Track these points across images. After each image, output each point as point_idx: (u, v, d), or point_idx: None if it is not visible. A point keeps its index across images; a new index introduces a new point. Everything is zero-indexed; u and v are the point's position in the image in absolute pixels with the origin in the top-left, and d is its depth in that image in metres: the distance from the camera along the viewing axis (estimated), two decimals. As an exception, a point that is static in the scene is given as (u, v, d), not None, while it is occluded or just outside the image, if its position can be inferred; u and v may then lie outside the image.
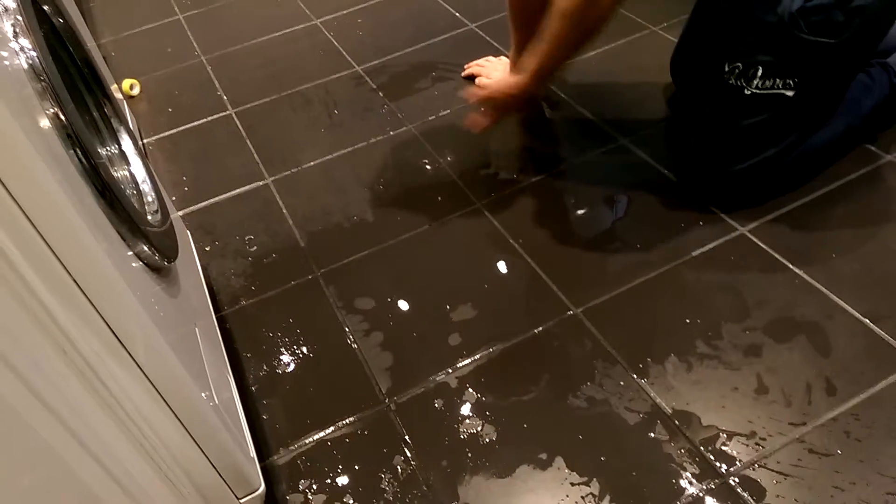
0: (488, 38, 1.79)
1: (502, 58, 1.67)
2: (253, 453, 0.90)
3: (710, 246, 1.18)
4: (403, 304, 1.18)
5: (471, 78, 1.65)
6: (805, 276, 1.10)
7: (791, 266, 1.12)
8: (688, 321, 1.07)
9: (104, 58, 1.77)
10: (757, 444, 0.91)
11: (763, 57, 1.11)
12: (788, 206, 1.22)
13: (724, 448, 0.92)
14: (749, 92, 1.13)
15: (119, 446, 0.63)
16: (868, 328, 1.01)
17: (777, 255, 1.14)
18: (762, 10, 1.09)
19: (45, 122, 0.59)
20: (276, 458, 1.00)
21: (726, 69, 1.15)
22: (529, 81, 1.22)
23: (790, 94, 1.12)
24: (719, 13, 1.05)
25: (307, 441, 1.01)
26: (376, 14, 2.00)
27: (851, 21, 1.06)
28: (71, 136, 0.61)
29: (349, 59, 1.81)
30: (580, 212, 1.29)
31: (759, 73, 1.11)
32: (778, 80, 1.11)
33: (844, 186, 1.23)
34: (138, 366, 0.64)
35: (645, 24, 1.74)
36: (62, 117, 0.60)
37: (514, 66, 1.58)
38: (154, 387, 0.66)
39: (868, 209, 1.20)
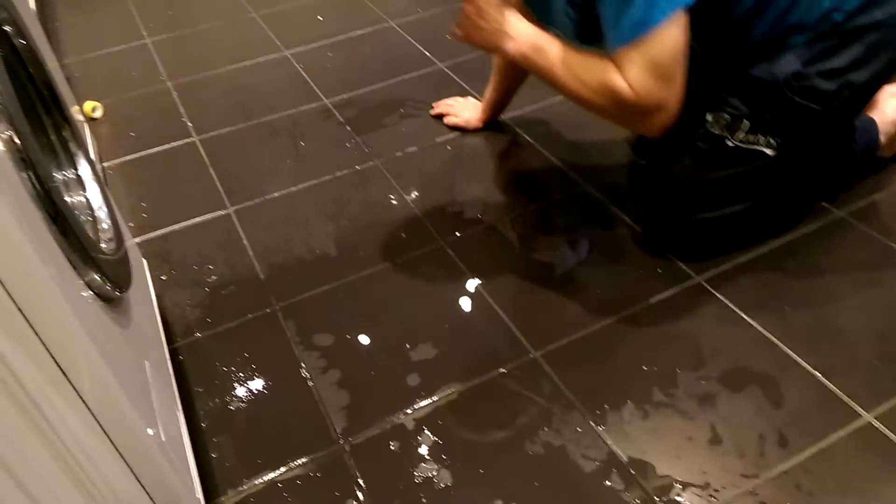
0: (457, 78, 1.82)
1: (470, 98, 1.69)
2: (200, 494, 0.87)
3: (668, 294, 1.19)
4: (363, 342, 1.16)
5: (439, 117, 1.67)
6: (759, 328, 1.12)
7: (745, 317, 1.14)
8: (645, 368, 1.08)
9: (67, 79, 1.73)
10: (710, 495, 0.92)
11: (751, 112, 1.13)
12: (744, 257, 1.25)
13: (678, 498, 0.91)
14: (732, 144, 1.15)
15: (56, 483, 0.60)
16: (819, 381, 1.03)
17: (732, 306, 1.16)
18: (760, 70, 1.11)
19: (-2, 145, 0.57)
20: (223, 499, 0.96)
21: (709, 119, 1.17)
22: (508, 44, 1.09)
23: (770, 152, 1.14)
24: (705, 64, 1.05)
25: (257, 482, 0.97)
26: (347, 49, 2.01)
27: (840, 92, 1.09)
28: (25, 160, 0.59)
29: (318, 91, 1.82)
30: (542, 255, 1.29)
31: (745, 126, 1.13)
32: (762, 136, 1.13)
33: (799, 240, 1.27)
34: (82, 399, 0.61)
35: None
36: (16, 140, 0.59)
37: (486, 109, 1.60)
38: (98, 422, 0.63)
39: (821, 264, 1.23)
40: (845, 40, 1.07)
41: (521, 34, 1.08)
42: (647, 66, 0.99)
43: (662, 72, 0.99)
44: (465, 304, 1.21)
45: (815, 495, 0.90)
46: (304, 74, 1.90)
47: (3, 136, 0.58)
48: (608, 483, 0.94)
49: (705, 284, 1.20)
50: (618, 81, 1.01)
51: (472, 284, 1.24)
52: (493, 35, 1.09)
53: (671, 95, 1.01)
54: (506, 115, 1.64)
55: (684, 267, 1.24)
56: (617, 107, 1.03)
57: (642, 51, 0.98)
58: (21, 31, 0.80)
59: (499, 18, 1.08)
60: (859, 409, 0.99)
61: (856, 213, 1.31)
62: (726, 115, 1.14)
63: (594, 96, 1.04)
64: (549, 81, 1.09)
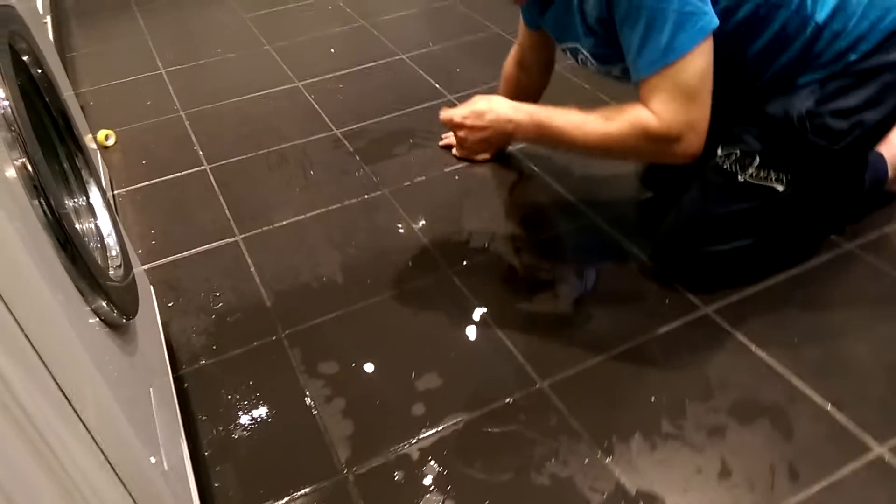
0: (466, 110, 1.83)
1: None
2: (201, 523, 0.86)
3: (676, 325, 1.18)
4: (368, 370, 1.15)
5: (448, 148, 1.68)
6: (768, 359, 1.11)
7: (754, 348, 1.13)
8: (653, 399, 1.07)
9: (81, 107, 1.76)
10: (720, 529, 0.90)
11: (763, 148, 1.13)
12: (752, 288, 1.24)
13: (687, 533, 0.90)
14: (742, 179, 1.15)
15: (57, 512, 0.60)
16: (830, 414, 1.02)
17: (741, 337, 1.15)
18: (773, 107, 1.12)
19: (11, 172, 0.58)
20: (225, 528, 0.95)
21: (720, 153, 1.17)
22: (515, 128, 1.13)
23: (780, 188, 1.14)
24: (718, 99, 1.05)
25: (259, 511, 0.97)
26: (358, 80, 2.04)
27: (852, 131, 1.09)
28: (37, 187, 0.60)
29: (328, 121, 1.84)
30: (549, 285, 1.29)
31: (756, 162, 1.13)
32: (773, 172, 1.13)
33: (808, 272, 1.26)
34: (85, 426, 0.61)
35: (617, 105, 1.80)
36: (29, 168, 0.60)
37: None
38: (100, 449, 0.63)
39: (830, 296, 1.22)
40: (859, 80, 1.08)
41: (522, 114, 1.11)
42: (675, 91, 0.99)
43: (690, 95, 1.00)
44: (472, 333, 1.21)
45: (826, 532, 0.89)
46: (315, 105, 1.92)
47: (16, 163, 0.59)
48: (615, 517, 0.92)
49: (713, 316, 1.19)
50: (644, 115, 1.02)
51: (479, 313, 1.24)
52: (498, 136, 1.15)
53: (700, 115, 1.01)
54: (514, 147, 1.66)
55: (692, 298, 1.23)
56: (648, 141, 1.03)
57: (670, 77, 0.99)
58: (38, 61, 0.82)
59: (492, 120, 1.12)
60: (871, 442, 0.98)
61: (865, 245, 1.30)
62: (738, 151, 1.15)
63: (623, 138, 1.04)
64: (574, 142, 1.09)
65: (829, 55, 1.07)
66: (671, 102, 1.00)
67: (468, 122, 1.15)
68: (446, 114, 1.17)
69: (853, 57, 1.06)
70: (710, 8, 0.98)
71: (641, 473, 0.97)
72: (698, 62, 0.99)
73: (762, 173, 1.13)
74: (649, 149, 1.06)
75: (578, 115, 1.07)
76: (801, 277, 1.25)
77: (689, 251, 1.24)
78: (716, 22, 0.98)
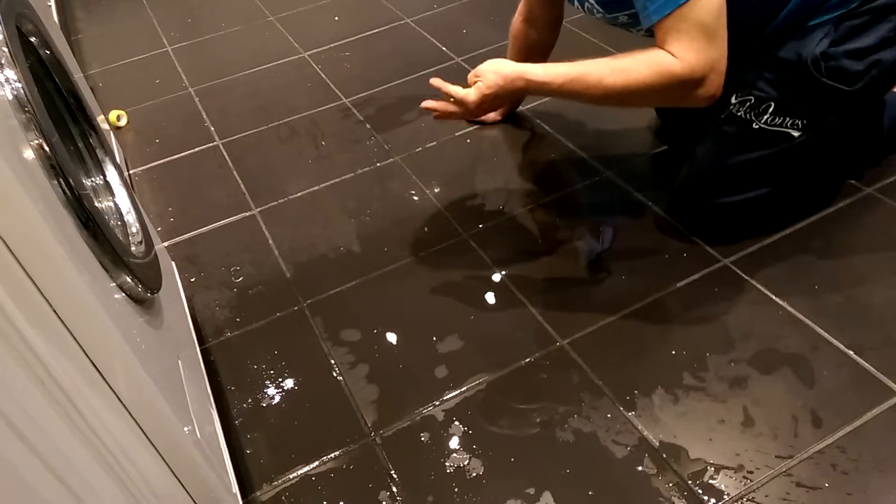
0: (475, 72, 1.81)
1: (488, 91, 1.68)
2: (236, 489, 0.88)
3: (694, 277, 1.18)
4: (390, 336, 1.17)
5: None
6: (788, 308, 1.11)
7: (775, 298, 1.13)
8: (674, 353, 1.07)
9: (91, 89, 1.77)
10: (744, 477, 0.91)
11: (777, 93, 1.11)
12: (770, 237, 1.23)
13: (711, 482, 0.91)
14: (757, 126, 1.13)
15: (98, 481, 0.62)
16: (852, 360, 1.02)
17: (760, 287, 1.15)
18: (786, 51, 1.10)
19: (28, 153, 0.59)
20: (259, 493, 0.98)
21: (734, 101, 1.15)
22: (523, 86, 1.10)
23: (796, 134, 1.12)
24: (730, 46, 1.02)
25: (291, 476, 0.99)
26: (364, 48, 2.02)
27: (868, 71, 1.07)
28: (55, 167, 0.61)
29: (337, 91, 1.83)
30: (566, 243, 1.29)
31: (771, 108, 1.12)
32: (788, 118, 1.11)
33: (826, 218, 1.25)
34: (119, 399, 0.62)
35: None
36: (46, 148, 0.60)
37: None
38: (135, 420, 0.65)
39: (850, 242, 1.21)
40: (874, 18, 1.05)
41: (530, 71, 1.08)
42: (693, 31, 0.97)
43: (709, 33, 0.97)
44: (490, 295, 1.21)
45: (851, 474, 0.89)
46: (323, 75, 1.91)
47: (32, 144, 0.60)
48: (640, 468, 0.93)
49: (732, 267, 1.19)
50: (666, 60, 0.99)
51: (497, 275, 1.24)
52: (513, 93, 1.12)
53: (720, 53, 0.99)
54: (524, 107, 1.64)
55: (710, 250, 1.22)
56: (672, 85, 1.00)
57: (685, 17, 0.96)
58: (46, 43, 0.82)
59: (508, 82, 1.09)
60: (894, 386, 0.98)
61: (884, 189, 1.29)
62: (752, 98, 1.13)
63: (647, 85, 1.01)
64: (594, 93, 1.05)
65: None
66: (692, 42, 0.97)
67: (483, 92, 1.12)
68: (458, 94, 1.14)
69: None
70: None
71: (664, 426, 0.98)
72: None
73: (777, 119, 1.12)
74: (673, 94, 1.02)
75: (596, 65, 1.04)
76: (820, 224, 1.24)
77: (707, 202, 1.23)
78: None
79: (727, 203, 1.21)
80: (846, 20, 1.06)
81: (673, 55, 0.98)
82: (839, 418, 0.96)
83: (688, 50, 0.97)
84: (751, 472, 0.91)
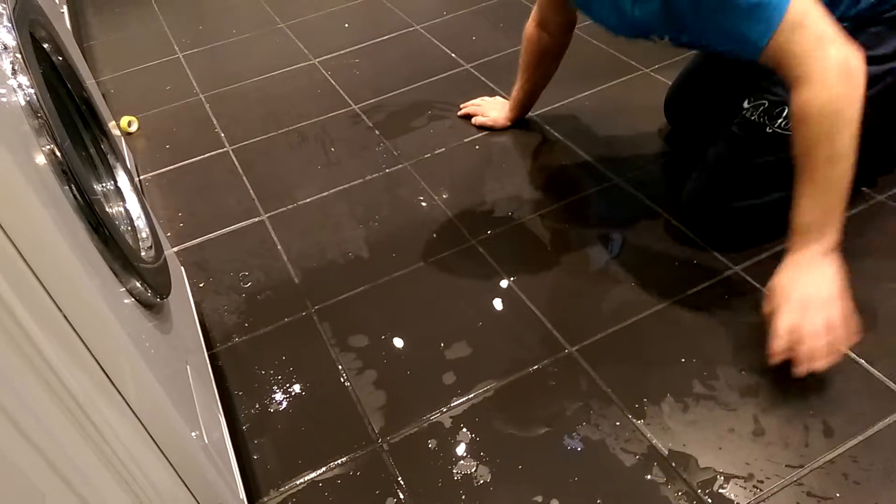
0: (483, 79, 1.82)
1: (497, 97, 1.69)
2: (242, 494, 0.88)
3: (704, 284, 1.18)
4: (397, 342, 1.17)
5: (467, 117, 1.67)
6: (800, 316, 1.10)
7: (786, 305, 1.12)
8: (683, 360, 1.07)
9: (103, 95, 1.78)
10: (755, 486, 0.90)
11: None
12: (781, 245, 1.22)
13: (721, 491, 0.90)
14: (770, 130, 1.12)
15: (105, 486, 0.62)
16: (864, 368, 1.01)
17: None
18: None
19: (40, 159, 0.59)
20: (266, 499, 0.97)
21: (747, 105, 1.15)
22: (832, 241, 0.98)
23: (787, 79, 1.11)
24: None
25: (298, 482, 0.99)
26: (373, 54, 2.03)
27: (883, 78, 1.06)
28: (66, 173, 0.61)
29: (346, 97, 1.83)
30: (575, 250, 1.29)
31: (785, 112, 1.10)
32: None
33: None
34: (127, 403, 0.63)
35: (637, 66, 1.77)
36: (58, 154, 0.61)
37: (514, 107, 1.60)
38: (143, 425, 0.65)
39: (861, 248, 1.20)
40: (890, 28, 1.04)
41: (826, 238, 0.97)
42: (808, 38, 0.92)
43: (819, 30, 0.93)
44: (499, 301, 1.21)
45: (862, 484, 0.88)
46: (332, 81, 1.92)
47: (44, 149, 0.60)
48: (649, 477, 0.93)
49: (742, 274, 1.18)
50: (809, 96, 0.92)
51: (505, 282, 1.24)
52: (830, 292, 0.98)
53: (846, 49, 0.93)
54: (533, 113, 1.64)
55: (720, 257, 1.22)
56: (847, 101, 0.92)
57: (793, 27, 0.92)
58: (59, 49, 0.83)
59: (817, 288, 0.96)
60: (907, 397, 0.97)
61: (894, 196, 1.28)
62: (765, 102, 1.12)
63: (838, 125, 0.93)
64: (847, 171, 0.95)
65: (859, 8, 1.04)
66: (812, 52, 0.92)
67: (805, 316, 0.95)
68: (785, 327, 0.96)
69: (885, 7, 1.03)
70: None
71: (674, 434, 0.97)
72: (802, 4, 0.93)
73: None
74: (854, 98, 0.92)
75: (820, 166, 0.94)
76: (832, 232, 1.23)
77: (719, 207, 1.22)
78: None
79: (739, 208, 1.20)
80: (863, 28, 1.05)
81: (807, 81, 0.92)
82: (851, 428, 0.95)
83: (815, 63, 0.92)
84: (761, 482, 0.90)
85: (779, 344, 0.95)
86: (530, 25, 1.50)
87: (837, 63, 0.92)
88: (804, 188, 0.96)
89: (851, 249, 1.19)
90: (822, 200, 0.95)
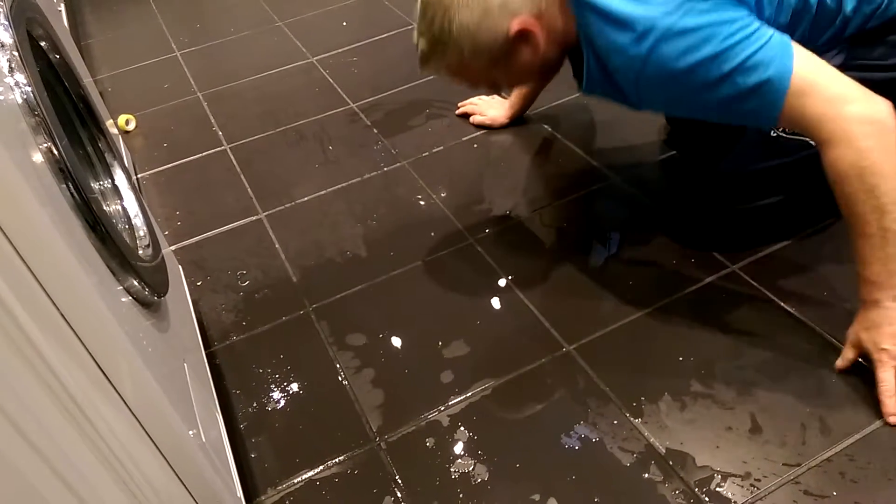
0: (482, 77, 1.81)
1: (495, 96, 1.69)
2: (240, 493, 0.88)
3: (702, 283, 1.18)
4: (395, 341, 1.17)
5: (465, 116, 1.67)
6: (797, 315, 1.10)
7: (783, 304, 1.12)
8: (681, 359, 1.07)
9: (100, 93, 1.78)
10: (752, 485, 0.90)
11: None
12: (780, 244, 1.22)
13: (718, 489, 0.90)
14: (775, 134, 1.12)
15: (102, 485, 0.62)
16: (861, 367, 1.01)
17: (769, 294, 1.14)
18: None
19: (37, 157, 0.59)
20: (263, 498, 0.97)
21: None
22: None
23: (814, 142, 1.11)
24: None
25: (296, 481, 0.99)
26: (371, 53, 2.03)
27: (884, 82, 1.05)
28: (63, 171, 0.61)
29: (344, 96, 1.83)
30: (573, 248, 1.29)
31: None
32: None
33: (836, 226, 1.24)
34: (124, 402, 0.63)
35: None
36: (55, 152, 0.61)
37: (512, 106, 1.59)
38: (140, 424, 0.65)
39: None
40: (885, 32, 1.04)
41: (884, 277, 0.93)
42: (822, 96, 0.89)
43: (832, 87, 0.91)
44: (497, 300, 1.21)
45: (860, 482, 0.88)
46: (331, 80, 1.92)
47: (41, 147, 0.60)
48: (646, 475, 0.93)
49: (741, 273, 1.18)
50: (840, 153, 0.89)
51: (503, 281, 1.24)
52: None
53: (855, 93, 0.90)
54: (531, 111, 1.64)
55: (719, 256, 1.22)
56: (888, 129, 0.88)
57: (803, 88, 0.90)
58: (56, 47, 0.83)
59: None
60: (904, 395, 0.97)
61: None
62: None
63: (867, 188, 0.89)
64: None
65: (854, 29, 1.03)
66: (828, 109, 0.89)
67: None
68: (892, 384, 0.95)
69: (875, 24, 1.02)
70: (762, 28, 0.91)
71: (671, 433, 0.97)
72: (807, 63, 0.91)
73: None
74: (889, 154, 0.88)
75: (873, 214, 0.90)
76: (830, 232, 1.23)
77: (724, 210, 1.22)
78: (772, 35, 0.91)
79: (744, 210, 1.20)
80: (860, 44, 1.04)
81: (831, 142, 0.90)
82: (848, 426, 0.95)
83: (834, 125, 0.89)
84: (758, 480, 0.91)
85: (893, 403, 0.94)
86: None
87: (859, 119, 0.88)
88: (858, 242, 0.93)
89: (850, 250, 1.20)
90: (881, 252, 0.91)
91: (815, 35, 1.03)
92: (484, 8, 0.97)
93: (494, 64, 1.03)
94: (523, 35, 1.00)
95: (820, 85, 0.91)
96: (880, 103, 0.89)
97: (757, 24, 0.92)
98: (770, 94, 0.91)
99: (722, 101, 0.93)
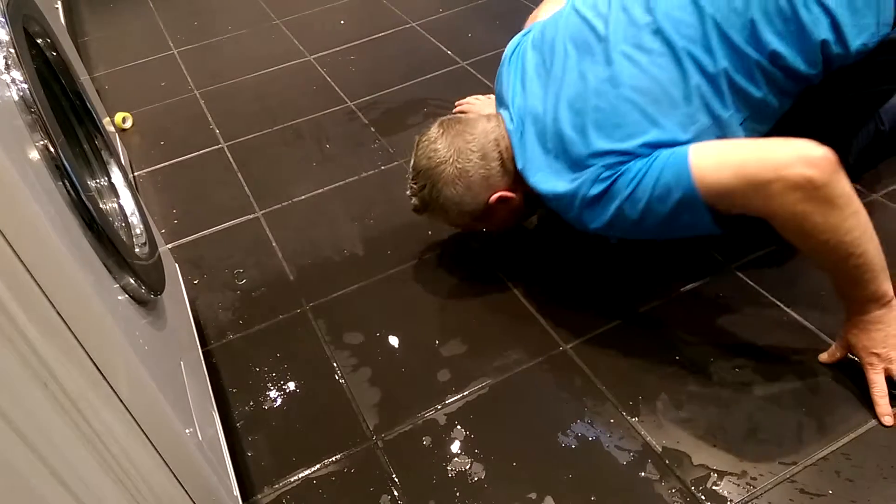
0: (479, 76, 1.82)
1: (492, 95, 1.69)
2: (237, 492, 0.88)
3: (699, 283, 1.18)
4: (392, 339, 1.17)
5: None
6: (793, 314, 1.10)
7: (779, 304, 1.12)
8: (677, 358, 1.07)
9: (97, 91, 1.78)
10: (748, 483, 0.90)
11: None
12: (774, 243, 1.22)
13: (714, 488, 0.90)
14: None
15: (98, 482, 0.62)
16: (857, 367, 1.01)
17: (765, 293, 1.14)
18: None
19: (34, 154, 0.59)
20: (260, 496, 0.97)
21: None
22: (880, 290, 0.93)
23: None
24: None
25: (292, 479, 0.99)
26: (369, 51, 2.03)
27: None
28: (60, 168, 0.61)
29: (342, 94, 1.83)
30: (570, 248, 1.29)
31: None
32: None
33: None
34: (121, 400, 0.62)
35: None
36: (51, 149, 0.60)
37: None
38: (136, 422, 0.65)
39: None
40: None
41: (875, 289, 0.93)
42: (738, 181, 0.90)
43: (747, 159, 0.91)
44: (493, 299, 1.21)
45: (856, 481, 0.89)
46: (328, 78, 1.92)
47: (38, 145, 0.60)
48: (643, 474, 0.93)
49: (738, 272, 1.19)
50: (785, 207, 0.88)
51: (499, 279, 1.24)
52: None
53: (789, 148, 0.89)
54: (529, 110, 1.64)
55: (716, 255, 1.22)
56: (816, 183, 0.86)
57: (718, 189, 0.92)
58: (53, 45, 0.83)
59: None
60: (900, 394, 0.97)
61: (891, 194, 1.28)
62: None
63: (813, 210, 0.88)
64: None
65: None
66: (746, 185, 0.89)
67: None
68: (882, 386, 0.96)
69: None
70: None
71: (667, 431, 0.97)
72: (708, 162, 0.93)
73: None
74: (823, 209, 0.87)
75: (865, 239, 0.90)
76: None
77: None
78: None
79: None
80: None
81: (770, 215, 0.90)
82: (844, 425, 0.95)
83: (764, 205, 0.90)
84: (754, 479, 0.91)
85: (886, 403, 0.95)
86: (531, 22, 1.49)
87: (782, 191, 0.87)
88: (822, 269, 0.96)
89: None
90: (844, 277, 0.93)
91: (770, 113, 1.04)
92: (466, 185, 1.11)
93: (477, 221, 1.18)
94: (502, 199, 1.13)
95: (731, 179, 0.91)
96: (798, 164, 0.86)
97: (647, 157, 0.95)
98: (693, 207, 0.94)
99: (659, 225, 0.98)
